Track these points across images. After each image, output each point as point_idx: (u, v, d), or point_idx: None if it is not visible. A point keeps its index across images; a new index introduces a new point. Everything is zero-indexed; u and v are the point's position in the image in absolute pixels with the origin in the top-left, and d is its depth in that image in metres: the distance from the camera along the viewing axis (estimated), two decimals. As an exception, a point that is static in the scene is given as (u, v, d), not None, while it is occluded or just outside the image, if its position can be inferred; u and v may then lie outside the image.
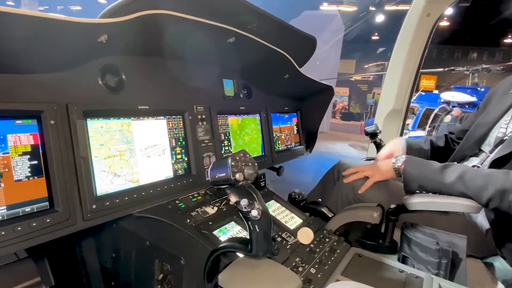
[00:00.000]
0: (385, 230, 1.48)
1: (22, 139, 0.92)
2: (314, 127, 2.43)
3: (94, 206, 1.06)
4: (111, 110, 1.16)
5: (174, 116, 1.42)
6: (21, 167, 0.92)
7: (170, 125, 1.41)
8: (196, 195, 1.42)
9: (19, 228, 0.87)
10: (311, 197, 1.94)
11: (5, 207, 0.88)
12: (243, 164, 0.86)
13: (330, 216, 1.62)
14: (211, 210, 1.33)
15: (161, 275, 1.23)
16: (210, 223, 1.24)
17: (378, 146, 2.21)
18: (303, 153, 2.41)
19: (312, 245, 1.34)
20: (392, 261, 1.36)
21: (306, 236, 1.28)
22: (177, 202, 1.32)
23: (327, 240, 1.42)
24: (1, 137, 0.88)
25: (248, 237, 0.93)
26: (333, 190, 1.80)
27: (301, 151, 2.38)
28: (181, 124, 1.46)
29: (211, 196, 1.44)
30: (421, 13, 2.31)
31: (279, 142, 2.16)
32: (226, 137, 1.72)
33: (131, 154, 1.23)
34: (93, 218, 1.06)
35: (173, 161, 1.41)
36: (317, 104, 2.34)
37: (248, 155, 0.88)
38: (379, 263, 1.36)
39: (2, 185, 0.88)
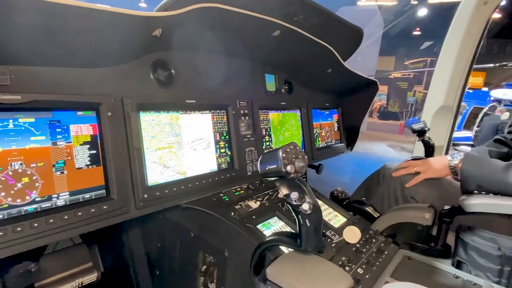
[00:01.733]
0: (437, 233, 1.38)
1: (83, 129, 0.98)
2: (355, 124, 2.35)
3: (145, 196, 1.10)
4: (161, 103, 1.20)
5: (219, 111, 1.44)
6: (82, 156, 0.97)
7: (215, 119, 1.42)
8: (239, 189, 1.43)
9: (80, 213, 0.93)
10: (353, 198, 1.87)
11: (68, 193, 0.94)
12: (294, 156, 0.84)
13: (376, 216, 1.55)
14: (254, 204, 1.32)
15: (204, 267, 1.24)
16: (254, 217, 1.24)
17: (427, 145, 2.08)
18: (344, 151, 2.34)
19: (358, 245, 1.29)
20: (445, 265, 1.27)
21: (353, 235, 1.24)
22: (221, 195, 1.34)
23: (373, 240, 1.36)
24: (65, 127, 0.94)
25: (291, 231, 0.91)
26: (378, 189, 1.72)
27: (341, 149, 2.31)
28: (225, 119, 1.47)
29: (254, 190, 1.45)
30: (477, 1, 2.13)
31: (319, 139, 2.11)
32: (267, 133, 1.71)
33: (179, 147, 1.26)
34: (145, 207, 1.10)
35: (217, 155, 1.43)
36: (359, 100, 2.26)
37: (298, 148, 0.86)
38: (431, 267, 1.27)
39: (66, 172, 0.94)
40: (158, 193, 1.14)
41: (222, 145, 1.45)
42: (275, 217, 1.32)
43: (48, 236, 0.87)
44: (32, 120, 0.88)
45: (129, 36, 0.96)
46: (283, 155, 0.82)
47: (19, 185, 0.85)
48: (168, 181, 1.20)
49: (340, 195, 1.68)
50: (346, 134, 2.38)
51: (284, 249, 1.08)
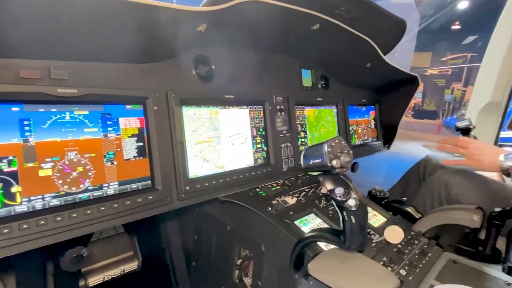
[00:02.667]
0: (486, 236, 1.30)
1: (131, 122, 1.02)
2: (393, 122, 2.26)
3: (187, 188, 1.13)
4: (202, 98, 1.22)
5: (256, 106, 1.45)
6: (130, 148, 1.02)
7: (252, 114, 1.43)
8: (274, 184, 1.43)
9: (128, 203, 0.97)
10: (391, 196, 1.80)
11: (117, 182, 0.99)
12: (339, 150, 0.82)
13: (417, 217, 1.48)
14: (290, 200, 1.32)
15: (240, 260, 1.25)
16: (291, 213, 1.23)
17: (472, 144, 1.95)
18: (380, 149, 2.26)
19: (399, 246, 1.24)
20: (495, 271, 1.19)
21: (395, 235, 1.19)
22: (257, 190, 1.34)
23: (415, 241, 1.31)
24: (115, 120, 0.99)
25: (333, 228, 0.89)
26: (419, 188, 1.64)
27: (378, 147, 2.24)
28: (262, 114, 1.48)
29: (289, 186, 1.44)
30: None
31: (356, 136, 2.05)
32: (303, 129, 1.70)
33: (218, 141, 1.28)
34: (186, 198, 1.13)
35: (254, 150, 1.43)
36: (398, 96, 2.17)
37: (343, 142, 0.84)
38: (479, 272, 1.20)
39: (115, 163, 0.98)
40: (198, 186, 1.17)
41: (259, 141, 1.46)
42: (312, 214, 1.30)
43: (99, 223, 0.92)
44: (86, 112, 0.93)
45: (176, 32, 0.99)
46: (329, 149, 0.80)
47: (74, 173, 0.90)
48: (208, 174, 1.23)
49: (378, 194, 1.62)
50: (383, 131, 2.30)
51: (323, 246, 1.06)
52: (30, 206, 0.83)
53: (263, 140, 1.47)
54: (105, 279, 1.44)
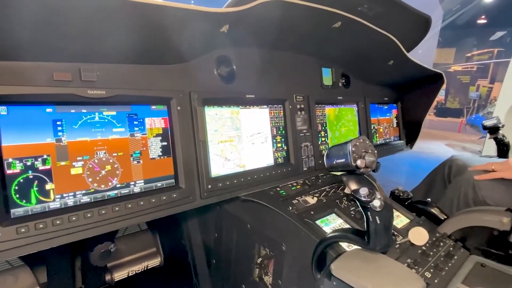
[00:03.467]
0: (516, 240, 1.25)
1: (156, 122, 1.05)
2: (417, 120, 2.20)
3: (209, 186, 1.15)
4: (224, 98, 1.24)
5: (276, 105, 1.45)
6: (155, 147, 1.05)
7: (272, 114, 1.43)
8: (295, 184, 1.43)
9: (153, 200, 1.00)
10: (414, 196, 1.76)
11: (143, 181, 1.02)
12: (364, 150, 0.81)
13: (442, 219, 1.44)
14: (311, 200, 1.31)
15: (260, 259, 1.26)
16: (312, 212, 1.22)
17: (500, 143, 1.88)
18: (403, 148, 2.21)
19: (424, 248, 1.21)
20: (527, 276, 1.14)
21: (420, 236, 1.17)
22: (278, 189, 1.35)
23: (441, 244, 1.27)
24: (141, 120, 1.02)
25: (356, 228, 0.88)
26: (443, 189, 1.59)
27: (400, 146, 2.18)
28: (282, 113, 1.48)
29: (310, 186, 1.43)
30: None
31: (377, 135, 2.02)
32: (323, 128, 1.68)
33: (239, 140, 1.29)
34: (209, 197, 1.15)
35: (274, 149, 1.43)
36: (422, 94, 2.11)
37: (368, 142, 0.83)
38: (509, 276, 1.15)
39: (141, 161, 1.01)
40: (220, 184, 1.18)
41: (279, 140, 1.46)
42: (334, 214, 1.29)
43: (126, 220, 0.95)
44: (114, 113, 0.96)
45: (200, 33, 1.00)
46: (353, 149, 0.80)
47: (103, 172, 0.93)
48: (229, 173, 1.24)
49: (402, 194, 1.59)
50: (406, 131, 2.25)
51: (345, 247, 1.06)
52: (62, 203, 0.87)
53: (283, 140, 1.47)
54: (130, 274, 1.49)
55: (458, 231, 1.33)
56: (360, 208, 0.83)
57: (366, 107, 1.90)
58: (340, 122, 1.78)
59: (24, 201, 0.81)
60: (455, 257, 1.20)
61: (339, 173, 0.86)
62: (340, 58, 1.72)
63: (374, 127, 1.98)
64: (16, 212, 0.80)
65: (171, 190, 1.05)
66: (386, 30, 1.44)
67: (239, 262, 1.36)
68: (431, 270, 1.11)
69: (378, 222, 0.80)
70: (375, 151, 0.84)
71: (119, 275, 1.45)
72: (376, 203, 0.78)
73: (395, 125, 2.16)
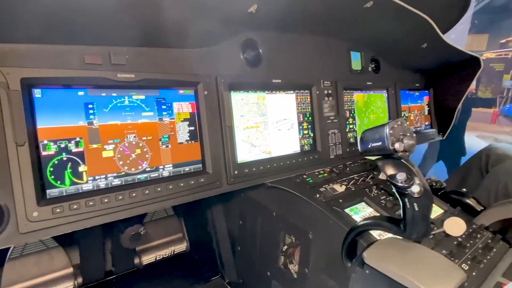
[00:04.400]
0: None
1: (183, 107, 1.04)
2: (450, 108, 2.08)
3: (236, 172, 1.13)
4: (250, 83, 1.22)
5: (302, 91, 1.41)
6: (182, 132, 1.04)
7: (299, 99, 1.40)
8: (322, 171, 1.39)
9: (182, 184, 1.00)
10: (447, 187, 1.68)
11: (171, 165, 1.02)
12: (402, 133, 0.76)
13: (479, 210, 1.36)
14: (339, 188, 1.27)
15: (285, 247, 1.25)
16: (340, 200, 1.19)
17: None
18: (435, 137, 2.10)
19: (460, 239, 1.15)
20: None
21: (456, 227, 1.10)
22: (304, 176, 1.32)
23: (478, 235, 1.20)
24: (169, 104, 1.02)
25: (390, 216, 0.84)
26: (480, 179, 1.51)
27: (432, 135, 2.08)
28: (308, 99, 1.43)
29: (338, 174, 1.39)
30: None
31: (408, 123, 1.93)
32: (351, 115, 1.62)
33: (265, 126, 1.27)
34: (235, 183, 1.14)
35: (300, 136, 1.40)
36: (456, 80, 1.99)
37: (406, 124, 0.78)
38: (554, 272, 1.07)
39: (170, 146, 1.01)
40: (246, 170, 1.17)
41: (305, 126, 1.42)
42: (363, 203, 1.25)
43: (156, 203, 0.96)
44: (143, 97, 0.96)
45: (228, 12, 0.98)
46: (390, 131, 0.75)
47: (133, 155, 0.94)
48: (255, 160, 1.23)
49: (434, 184, 1.51)
50: (438, 118, 2.14)
51: (376, 236, 1.02)
52: (95, 185, 0.88)
53: (309, 126, 1.44)
54: (157, 258, 1.52)
55: (497, 223, 1.26)
56: (397, 194, 0.79)
57: (396, 93, 1.82)
58: (369, 109, 1.71)
59: (58, 182, 0.83)
60: (494, 250, 1.13)
61: (374, 158, 0.82)
62: (370, 42, 1.64)
63: (404, 115, 1.90)
64: (51, 192, 0.82)
65: (198, 175, 1.05)
66: (420, 10, 1.35)
67: (264, 250, 1.35)
68: (469, 262, 1.05)
69: (416, 209, 0.76)
70: (414, 135, 0.79)
71: (147, 259, 1.48)
72: (415, 189, 0.74)
73: (426, 112, 2.06)
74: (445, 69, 1.98)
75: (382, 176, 0.81)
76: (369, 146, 0.79)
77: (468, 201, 1.40)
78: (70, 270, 1.28)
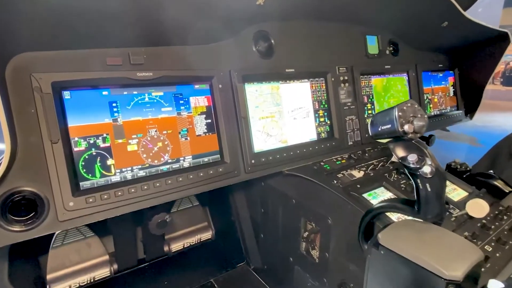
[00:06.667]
0: None
1: (200, 101, 1.10)
2: (478, 88, 1.99)
3: (253, 161, 1.18)
4: (263, 74, 1.24)
5: (317, 79, 1.41)
6: (200, 125, 1.10)
7: (313, 87, 1.40)
8: (339, 158, 1.40)
9: (201, 174, 1.06)
10: (476, 170, 1.62)
11: (191, 156, 1.08)
12: (412, 115, 0.76)
13: (507, 191, 1.31)
14: (357, 174, 1.28)
15: (306, 233, 1.27)
16: (358, 186, 1.20)
17: None
18: (461, 119, 2.02)
19: (484, 221, 1.12)
20: None
21: (479, 208, 1.08)
22: (321, 163, 1.33)
23: (505, 217, 1.17)
24: (186, 99, 1.07)
25: (406, 198, 0.84)
26: (509, 162, 1.44)
27: (458, 116, 2.00)
28: (324, 87, 1.44)
29: (356, 160, 1.39)
30: None
31: (431, 105, 1.87)
32: (370, 100, 1.61)
33: (280, 116, 1.30)
34: (252, 171, 1.19)
35: (317, 124, 1.41)
36: (483, 58, 1.89)
37: (417, 105, 0.78)
38: None
39: (189, 138, 1.07)
40: (263, 159, 1.21)
41: (321, 114, 1.43)
42: (382, 187, 1.24)
43: (178, 192, 1.03)
44: (161, 93, 1.02)
45: (237, 6, 1.01)
46: (399, 113, 0.76)
47: (155, 148, 1.01)
48: (272, 149, 1.26)
49: (459, 167, 1.47)
50: (464, 100, 2.05)
51: (394, 219, 1.02)
52: (122, 177, 0.96)
53: (325, 114, 1.44)
54: (185, 246, 1.60)
55: (527, 205, 1.21)
56: (409, 175, 0.80)
57: (417, 76, 1.77)
58: (389, 93, 1.68)
59: (90, 175, 0.91)
60: (522, 232, 1.10)
61: (385, 141, 0.82)
62: (387, 24, 1.60)
63: (427, 97, 1.84)
64: (84, 184, 0.90)
65: (217, 164, 1.10)
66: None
67: (286, 236, 1.39)
68: (492, 244, 1.03)
69: (429, 189, 0.76)
70: (425, 116, 0.78)
71: (175, 247, 1.57)
72: (426, 169, 0.74)
73: (452, 94, 1.98)
74: (470, 47, 1.89)
75: (394, 159, 0.82)
76: (379, 129, 0.80)
77: (495, 182, 1.36)
78: (106, 257, 1.39)
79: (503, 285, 0.69)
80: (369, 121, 1.58)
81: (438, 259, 0.73)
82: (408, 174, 0.79)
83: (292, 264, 1.36)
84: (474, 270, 0.74)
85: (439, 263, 0.72)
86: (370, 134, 0.84)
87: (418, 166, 0.75)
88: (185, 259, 1.65)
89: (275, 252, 1.48)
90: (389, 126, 0.77)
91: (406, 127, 0.75)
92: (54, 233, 1.28)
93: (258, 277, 1.63)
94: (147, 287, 1.53)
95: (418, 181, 0.77)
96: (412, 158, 0.76)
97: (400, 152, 0.78)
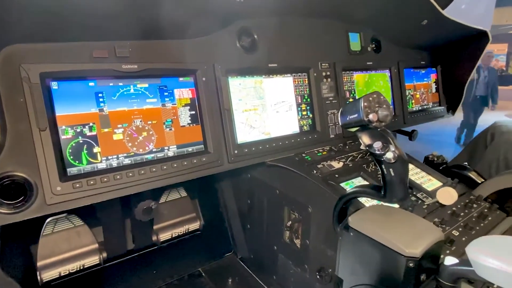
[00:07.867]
0: None
1: (184, 93, 1.15)
2: (459, 84, 2.05)
3: (236, 152, 1.23)
4: (246, 68, 1.29)
5: (300, 74, 1.47)
6: (184, 116, 1.15)
7: (296, 82, 1.46)
8: (321, 150, 1.45)
9: (185, 163, 1.11)
10: (457, 162, 1.69)
11: (175, 146, 1.13)
12: (377, 105, 0.82)
13: (480, 182, 1.38)
14: (336, 165, 1.33)
15: (290, 222, 1.33)
16: (337, 175, 1.25)
17: None
18: (443, 115, 2.09)
19: (455, 208, 1.18)
20: None
21: (447, 196, 1.15)
22: (303, 155, 1.39)
23: (474, 205, 1.23)
24: (170, 91, 1.12)
25: (375, 184, 0.90)
26: (485, 153, 1.51)
27: (440, 112, 2.07)
28: (306, 82, 1.49)
29: (336, 152, 1.45)
30: None
31: (413, 101, 1.93)
32: (352, 95, 1.66)
33: (263, 109, 1.35)
34: (236, 161, 1.24)
35: (299, 117, 1.47)
36: (464, 56, 1.95)
37: (382, 97, 0.84)
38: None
39: (173, 129, 1.12)
40: (246, 150, 1.26)
41: (304, 108, 1.48)
42: (360, 177, 1.30)
43: (162, 179, 1.07)
44: (146, 85, 1.07)
45: (217, 5, 1.06)
46: (365, 103, 0.81)
47: (140, 138, 1.06)
48: (255, 140, 1.31)
49: (436, 159, 1.53)
50: (446, 96, 2.11)
51: (366, 204, 1.08)
52: (108, 164, 1.01)
53: (308, 108, 1.50)
54: (173, 236, 1.65)
55: (495, 193, 1.28)
56: (375, 162, 0.85)
57: (400, 72, 1.83)
58: (371, 89, 1.74)
59: (77, 162, 0.96)
60: (489, 218, 1.17)
61: (353, 130, 0.88)
62: (368, 21, 1.66)
63: (409, 93, 1.90)
64: (71, 171, 0.95)
65: (201, 154, 1.15)
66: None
67: (271, 226, 1.44)
68: (460, 229, 1.09)
69: (393, 174, 0.82)
70: (390, 106, 0.84)
71: (164, 236, 1.62)
72: (389, 155, 0.80)
73: (434, 90, 2.05)
74: (451, 45, 1.95)
75: (362, 147, 0.87)
76: (347, 119, 0.86)
77: (469, 174, 1.42)
78: (96, 246, 1.44)
79: (458, 261, 0.75)
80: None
81: (399, 239, 0.79)
82: (374, 160, 0.85)
83: (276, 252, 1.41)
84: (433, 248, 0.80)
85: (400, 242, 0.78)
86: (340, 124, 0.90)
87: (382, 152, 0.81)
88: (174, 250, 1.70)
89: (261, 242, 1.53)
90: (355, 115, 0.83)
91: (370, 116, 0.80)
92: (44, 221, 1.33)
93: (244, 266, 1.68)
94: (136, 276, 1.58)
95: (383, 166, 0.83)
96: (377, 145, 0.82)
97: (366, 139, 0.84)
